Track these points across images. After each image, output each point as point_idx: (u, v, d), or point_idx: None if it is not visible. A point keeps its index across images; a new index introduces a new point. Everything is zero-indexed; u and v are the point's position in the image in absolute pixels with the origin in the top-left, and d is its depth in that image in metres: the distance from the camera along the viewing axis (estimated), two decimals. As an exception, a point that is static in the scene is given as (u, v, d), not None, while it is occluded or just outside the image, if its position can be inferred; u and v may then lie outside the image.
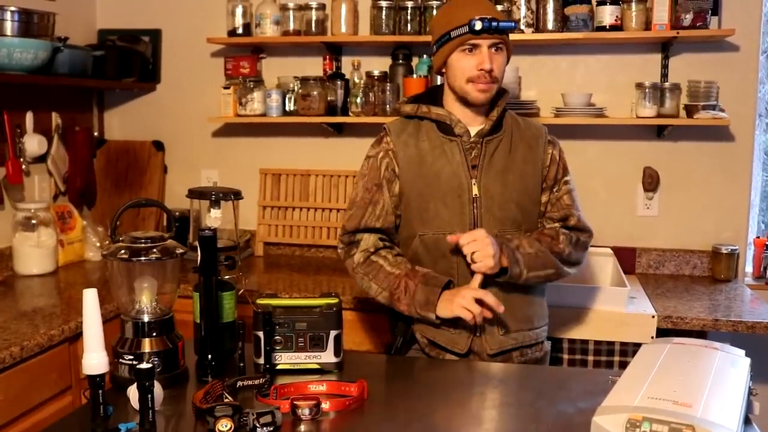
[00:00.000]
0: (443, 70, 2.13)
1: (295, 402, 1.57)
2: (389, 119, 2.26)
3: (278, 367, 1.84)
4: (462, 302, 1.97)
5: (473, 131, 2.12)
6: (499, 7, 3.03)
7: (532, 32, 3.06)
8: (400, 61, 3.29)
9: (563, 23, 3.06)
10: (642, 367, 1.57)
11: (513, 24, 2.07)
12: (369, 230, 2.16)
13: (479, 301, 1.97)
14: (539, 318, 2.18)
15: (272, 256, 3.56)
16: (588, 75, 3.26)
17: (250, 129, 3.57)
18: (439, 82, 3.00)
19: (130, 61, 3.46)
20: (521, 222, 2.12)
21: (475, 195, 2.09)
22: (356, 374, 1.79)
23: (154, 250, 1.77)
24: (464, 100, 2.10)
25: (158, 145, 3.66)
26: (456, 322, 2.06)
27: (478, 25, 1.99)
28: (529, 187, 2.14)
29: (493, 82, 2.06)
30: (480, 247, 1.98)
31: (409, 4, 3.14)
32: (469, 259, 2.00)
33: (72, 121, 3.41)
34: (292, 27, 3.30)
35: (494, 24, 2.00)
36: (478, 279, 2.02)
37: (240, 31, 3.35)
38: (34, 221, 3.03)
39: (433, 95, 2.22)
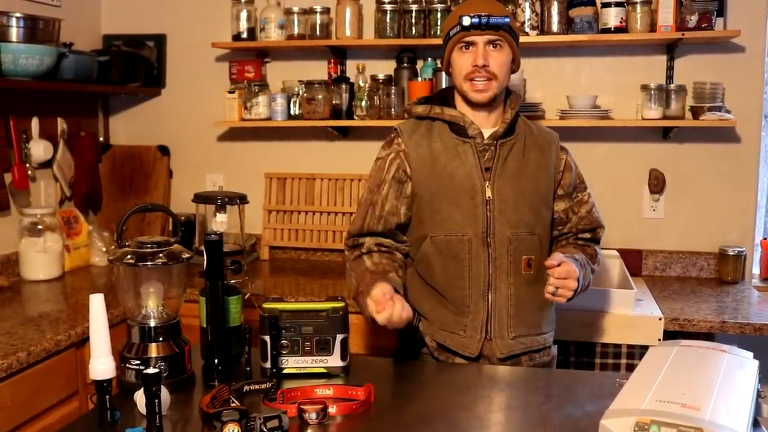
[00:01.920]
0: (450, 71, 2.14)
1: (301, 406, 1.57)
2: (394, 122, 2.26)
3: (285, 371, 1.84)
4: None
5: (486, 133, 2.10)
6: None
7: (537, 35, 3.06)
8: (405, 64, 3.28)
9: (568, 25, 3.06)
10: (650, 370, 1.56)
11: (506, 19, 2.04)
12: (371, 233, 2.15)
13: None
14: (547, 323, 2.17)
15: (278, 260, 3.56)
16: (593, 77, 3.25)
17: (255, 133, 3.57)
18: (444, 85, 3.03)
19: (135, 66, 3.47)
20: (534, 225, 2.10)
21: (489, 197, 2.07)
22: (363, 378, 1.79)
23: (160, 254, 1.77)
24: (468, 101, 2.10)
25: (163, 150, 3.67)
26: (465, 323, 2.07)
27: (467, 21, 2.00)
28: (542, 192, 2.13)
29: (491, 79, 2.05)
30: (566, 285, 1.96)
31: (414, 8, 3.14)
32: (549, 288, 1.97)
33: (77, 126, 3.41)
34: (296, 31, 3.30)
35: (484, 20, 2.00)
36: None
37: (244, 35, 3.35)
38: (40, 227, 3.04)
39: (444, 97, 2.21)
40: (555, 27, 3.06)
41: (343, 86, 3.28)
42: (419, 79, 3.20)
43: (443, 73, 2.78)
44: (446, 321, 2.11)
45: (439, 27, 3.12)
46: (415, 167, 2.12)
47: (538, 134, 2.19)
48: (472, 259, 2.07)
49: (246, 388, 1.71)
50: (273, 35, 3.29)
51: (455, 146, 2.11)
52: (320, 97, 3.24)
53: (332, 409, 1.60)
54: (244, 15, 3.34)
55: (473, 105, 2.10)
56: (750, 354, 1.68)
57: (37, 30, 2.82)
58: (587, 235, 2.22)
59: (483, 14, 2.00)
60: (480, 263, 2.07)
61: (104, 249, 3.33)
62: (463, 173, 2.08)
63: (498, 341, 2.08)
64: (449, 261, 2.09)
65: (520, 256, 2.08)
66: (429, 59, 3.27)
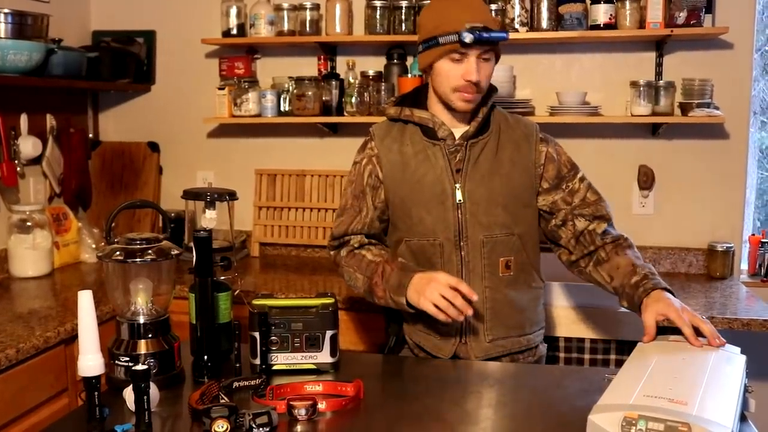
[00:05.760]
0: (432, 74, 2.06)
1: (291, 402, 1.57)
2: (384, 119, 2.25)
3: (274, 367, 1.84)
4: (430, 295, 1.88)
5: (458, 133, 2.06)
6: (493, 7, 3.03)
7: (527, 31, 3.06)
8: (395, 60, 3.28)
9: (557, 22, 3.07)
10: (638, 366, 1.57)
11: (505, 35, 1.98)
12: (355, 234, 2.16)
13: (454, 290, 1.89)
14: (531, 323, 2.14)
15: (268, 257, 3.56)
16: (582, 73, 3.26)
17: (245, 129, 3.57)
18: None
19: (124, 62, 3.45)
20: (511, 225, 2.06)
21: (459, 201, 2.04)
22: (352, 374, 1.79)
23: (150, 251, 1.77)
24: (448, 105, 2.06)
25: (153, 146, 3.66)
26: (440, 326, 2.03)
27: (468, 38, 1.91)
28: (517, 190, 2.07)
29: (479, 93, 2.02)
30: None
31: (404, 4, 3.14)
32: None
33: (67, 122, 3.40)
34: (286, 27, 3.29)
35: (485, 35, 1.92)
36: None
37: (234, 31, 3.35)
38: (29, 223, 3.03)
39: (417, 96, 2.17)
40: (544, 23, 3.06)
41: (333, 83, 3.28)
42: (409, 75, 3.19)
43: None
44: (423, 323, 2.09)
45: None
46: (386, 172, 2.11)
47: (515, 128, 2.12)
48: (444, 263, 2.05)
49: (235, 384, 1.71)
50: (263, 31, 3.29)
51: (425, 149, 2.08)
52: (310, 93, 3.24)
53: (322, 405, 1.60)
54: (233, 11, 3.33)
55: (450, 108, 2.06)
56: (737, 349, 1.69)
57: (25, 26, 2.81)
58: (603, 225, 2.10)
59: (480, 27, 1.92)
60: (453, 267, 2.05)
61: (94, 246, 3.32)
62: (433, 177, 2.06)
63: (473, 344, 2.07)
64: (423, 265, 2.06)
65: (497, 258, 2.05)
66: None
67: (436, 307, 1.89)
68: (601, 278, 2.07)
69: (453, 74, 1.99)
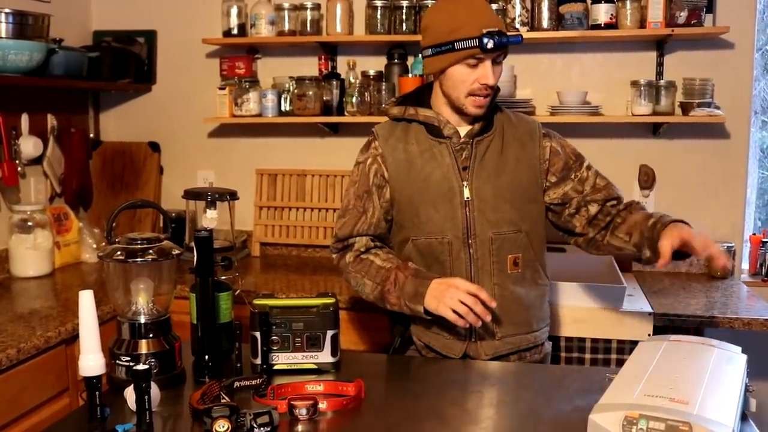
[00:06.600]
0: (443, 79, 2.04)
1: (292, 402, 1.57)
2: (385, 119, 2.25)
3: (275, 367, 1.84)
4: (449, 302, 1.90)
5: (463, 132, 2.07)
6: (494, 6, 3.03)
7: (527, 31, 3.06)
8: (396, 60, 3.28)
9: (558, 21, 3.07)
10: (639, 365, 1.57)
11: (521, 39, 2.01)
12: (360, 236, 2.14)
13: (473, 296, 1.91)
14: (538, 320, 2.14)
15: (269, 257, 3.56)
16: (583, 73, 3.26)
17: (246, 129, 3.57)
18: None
19: (125, 62, 3.45)
20: (519, 222, 2.06)
21: (467, 198, 2.04)
22: (353, 374, 1.79)
23: (150, 251, 1.77)
24: (457, 108, 2.06)
25: (154, 146, 3.66)
26: (450, 325, 2.03)
27: (491, 44, 1.92)
28: (524, 186, 2.08)
29: (490, 94, 2.02)
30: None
31: (404, 4, 3.14)
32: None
33: (67, 122, 3.40)
34: (287, 27, 3.29)
35: (504, 40, 1.94)
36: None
37: (235, 31, 3.35)
38: (30, 223, 3.03)
39: (420, 95, 2.17)
40: (545, 23, 3.06)
41: (334, 82, 3.28)
42: (410, 75, 3.19)
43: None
44: (431, 323, 2.07)
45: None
46: (392, 171, 2.10)
47: (518, 126, 2.13)
48: (453, 261, 2.05)
49: (236, 384, 1.71)
50: (263, 31, 3.29)
51: (431, 148, 2.08)
52: (311, 93, 3.24)
53: (323, 405, 1.60)
54: (234, 11, 3.33)
55: (459, 111, 2.06)
56: (738, 349, 1.69)
57: (26, 26, 2.81)
58: (613, 202, 2.13)
59: (496, 31, 1.93)
60: (461, 265, 2.05)
61: (94, 245, 3.32)
62: (440, 175, 2.06)
63: (483, 343, 2.07)
64: (431, 264, 2.07)
65: (505, 256, 2.05)
66: (419, 55, 3.27)
67: (456, 313, 1.90)
68: (619, 241, 2.09)
69: (468, 79, 1.99)
